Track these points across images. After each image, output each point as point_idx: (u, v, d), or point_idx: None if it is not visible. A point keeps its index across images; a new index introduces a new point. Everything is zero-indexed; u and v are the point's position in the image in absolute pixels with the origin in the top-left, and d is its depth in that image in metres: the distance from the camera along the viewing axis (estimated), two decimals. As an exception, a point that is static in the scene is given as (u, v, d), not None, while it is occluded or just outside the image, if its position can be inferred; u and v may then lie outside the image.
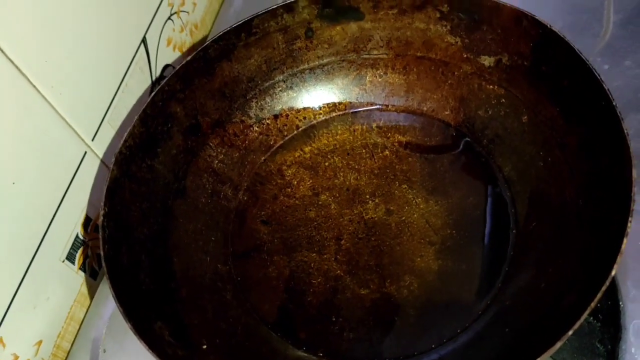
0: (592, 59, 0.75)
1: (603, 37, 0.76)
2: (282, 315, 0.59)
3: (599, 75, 0.51)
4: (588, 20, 0.78)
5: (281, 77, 0.69)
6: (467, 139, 0.65)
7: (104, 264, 0.50)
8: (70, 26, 0.60)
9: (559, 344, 0.41)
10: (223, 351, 0.53)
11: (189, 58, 0.61)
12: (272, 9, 0.64)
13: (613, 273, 0.42)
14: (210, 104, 0.65)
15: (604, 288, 0.41)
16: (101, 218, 0.52)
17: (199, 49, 0.62)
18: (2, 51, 0.52)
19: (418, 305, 0.57)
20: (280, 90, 0.69)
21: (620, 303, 0.58)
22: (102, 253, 0.50)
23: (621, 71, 0.72)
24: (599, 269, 0.43)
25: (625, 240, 0.43)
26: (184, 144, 0.64)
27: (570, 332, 0.41)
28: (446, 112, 0.66)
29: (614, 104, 0.49)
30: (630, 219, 0.44)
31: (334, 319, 0.58)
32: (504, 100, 0.62)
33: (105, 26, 0.66)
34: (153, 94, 0.59)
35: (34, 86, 0.57)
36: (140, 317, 0.49)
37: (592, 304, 0.41)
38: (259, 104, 0.69)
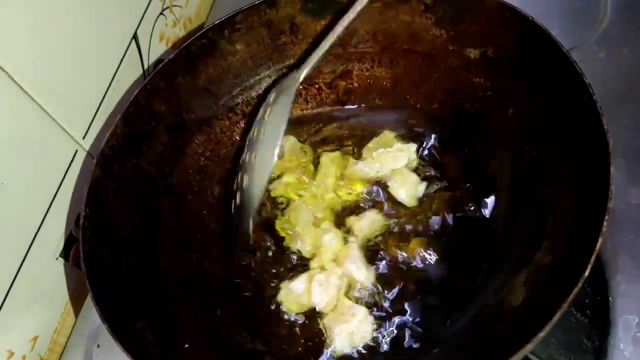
0: (589, 47, 0.73)
1: (600, 23, 0.74)
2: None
3: (581, 70, 0.49)
4: (585, 6, 0.76)
5: (267, 73, 0.68)
6: (454, 132, 0.64)
7: (82, 265, 0.50)
8: (57, 25, 0.60)
9: (529, 346, 0.40)
10: (205, 349, 0.54)
11: (171, 56, 0.61)
12: (255, 4, 0.63)
13: (586, 273, 0.41)
14: (196, 101, 0.65)
15: (579, 284, 0.41)
16: (82, 220, 0.53)
17: (181, 46, 0.62)
18: (-15, 53, 0.52)
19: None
20: (267, 86, 0.69)
21: (610, 298, 0.57)
22: (81, 254, 0.50)
23: (618, 60, 0.70)
24: (576, 268, 0.43)
25: (600, 239, 0.42)
26: (169, 141, 0.64)
27: (542, 334, 0.41)
28: (434, 106, 0.66)
29: (594, 98, 0.48)
30: (606, 217, 0.43)
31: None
32: (490, 93, 0.61)
33: (93, 25, 0.65)
34: (136, 92, 0.60)
35: (21, 87, 0.57)
36: (120, 317, 0.49)
37: (565, 305, 0.41)
38: (246, 100, 0.69)
